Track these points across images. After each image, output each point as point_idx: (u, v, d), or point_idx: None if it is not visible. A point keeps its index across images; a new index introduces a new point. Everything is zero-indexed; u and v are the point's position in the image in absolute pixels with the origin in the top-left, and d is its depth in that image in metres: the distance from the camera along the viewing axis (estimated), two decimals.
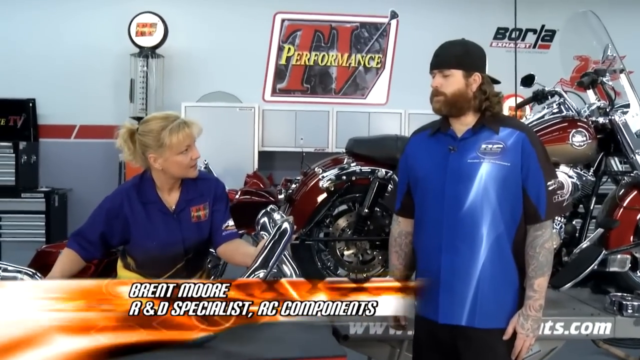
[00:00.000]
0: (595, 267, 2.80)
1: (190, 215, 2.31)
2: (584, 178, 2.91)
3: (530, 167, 2.07)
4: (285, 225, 1.84)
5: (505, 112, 6.39)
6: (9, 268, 2.04)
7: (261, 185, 4.48)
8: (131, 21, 6.02)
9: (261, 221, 2.14)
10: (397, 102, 6.48)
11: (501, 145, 2.08)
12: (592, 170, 2.96)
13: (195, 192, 2.33)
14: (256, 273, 1.77)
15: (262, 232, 2.11)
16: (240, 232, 3.80)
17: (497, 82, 2.17)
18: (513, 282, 2.12)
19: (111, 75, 6.26)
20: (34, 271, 2.05)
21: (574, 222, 2.98)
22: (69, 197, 6.25)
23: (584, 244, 2.89)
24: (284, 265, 2.09)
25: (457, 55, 2.12)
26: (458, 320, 2.09)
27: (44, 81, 6.15)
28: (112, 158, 5.99)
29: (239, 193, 4.18)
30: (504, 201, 2.06)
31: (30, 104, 6.12)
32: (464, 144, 2.12)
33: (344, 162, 2.90)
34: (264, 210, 2.17)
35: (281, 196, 3.08)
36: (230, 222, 2.32)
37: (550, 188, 2.09)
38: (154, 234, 2.29)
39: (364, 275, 2.99)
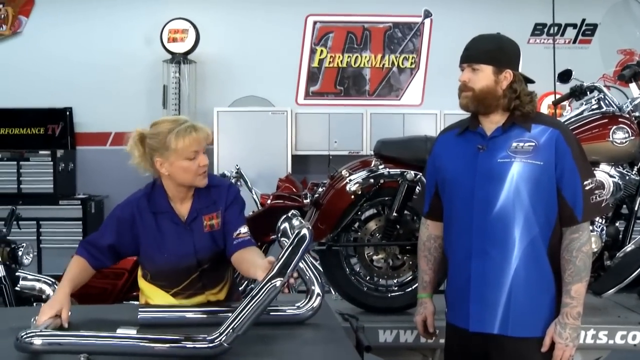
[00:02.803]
0: None
1: (202, 225, 2.21)
2: (627, 177, 2.75)
3: (565, 166, 1.97)
4: (304, 231, 1.76)
5: (544, 110, 6.30)
6: (28, 277, 2.02)
7: (293, 189, 4.44)
8: (163, 28, 6.08)
9: (282, 227, 2.07)
10: (432, 103, 6.35)
11: (533, 144, 1.99)
12: (636, 168, 2.80)
13: (208, 200, 2.24)
14: (273, 281, 1.69)
15: (282, 239, 2.03)
16: (272, 237, 3.77)
17: (532, 81, 2.07)
18: (549, 288, 2.01)
19: (144, 82, 6.34)
20: (53, 280, 2.03)
21: (616, 224, 2.82)
22: (105, 204, 6.34)
23: (629, 247, 2.74)
24: (305, 272, 2.01)
25: (488, 50, 2.04)
26: (490, 328, 1.99)
27: (80, 90, 6.27)
28: None
29: (271, 197, 4.14)
30: (537, 202, 1.97)
31: (67, 113, 6.27)
32: (494, 142, 2.03)
33: (372, 165, 2.80)
34: (284, 216, 2.10)
35: (307, 200, 3.00)
36: (243, 229, 2.19)
37: (587, 188, 1.98)
38: (164, 245, 2.21)
39: (395, 281, 2.90)
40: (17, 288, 2.04)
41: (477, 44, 2.07)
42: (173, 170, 2.14)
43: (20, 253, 3.92)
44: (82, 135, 6.38)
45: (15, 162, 5.90)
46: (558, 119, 3.10)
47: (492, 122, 2.05)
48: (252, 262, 2.03)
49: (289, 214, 2.09)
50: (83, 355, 1.61)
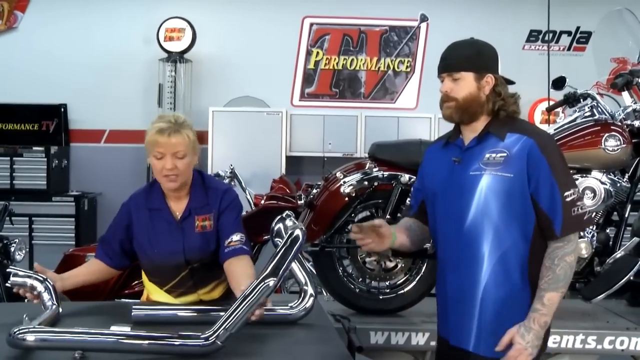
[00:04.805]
0: (632, 277, 2.67)
1: (194, 225, 2.24)
2: (618, 184, 2.78)
3: (541, 176, 1.87)
4: (297, 232, 1.78)
5: (538, 116, 6.34)
6: (20, 273, 2.02)
7: (287, 190, 4.45)
8: (160, 26, 6.09)
9: (275, 228, 2.08)
10: (426, 107, 6.38)
11: (505, 154, 1.90)
12: (627, 176, 2.82)
13: (202, 200, 2.26)
14: (266, 281, 1.70)
15: (276, 239, 2.04)
16: (265, 237, 3.78)
17: (511, 82, 2.02)
18: (523, 307, 1.90)
19: (140, 80, 6.34)
20: (44, 277, 2.04)
21: (607, 231, 2.84)
22: (98, 201, 6.34)
23: (618, 254, 2.76)
24: (298, 273, 2.02)
25: (467, 56, 1.97)
26: (466, 345, 1.95)
27: (75, 87, 6.26)
28: (141, 162, 6.04)
29: (264, 198, 4.15)
30: (509, 216, 1.89)
31: (62, 109, 6.24)
32: (470, 154, 1.97)
33: (367, 167, 2.82)
34: (278, 217, 2.11)
35: (301, 202, 3.01)
36: (235, 237, 2.18)
37: (568, 199, 1.87)
38: (155, 241, 2.24)
39: (387, 283, 2.91)
40: (7, 284, 2.04)
41: (454, 52, 2.00)
42: (151, 164, 2.23)
43: (12, 249, 3.93)
44: (77, 132, 6.37)
45: (8, 158, 5.89)
46: (551, 125, 3.13)
47: (472, 131, 1.99)
48: (235, 278, 2.06)
49: (283, 215, 2.10)
50: (77, 352, 1.61)
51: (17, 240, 3.97)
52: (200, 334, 1.65)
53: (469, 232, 1.92)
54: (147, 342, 1.66)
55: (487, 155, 1.92)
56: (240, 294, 1.75)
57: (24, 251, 4.00)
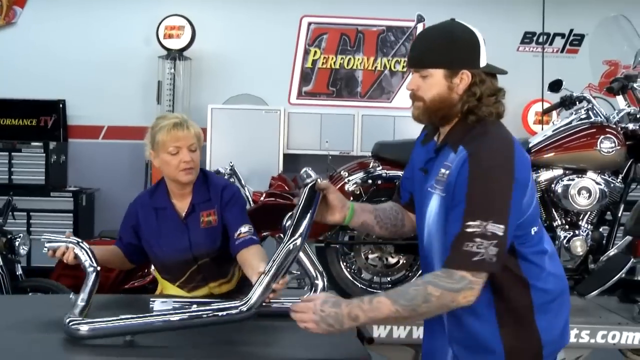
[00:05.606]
0: (623, 275, 2.77)
1: (199, 221, 2.31)
2: (612, 185, 2.87)
3: (456, 194, 1.57)
4: (315, 183, 1.76)
5: (532, 117, 6.45)
6: (53, 238, 2.07)
7: (286, 188, 4.53)
8: (159, 24, 6.12)
9: (286, 225, 2.14)
10: None
11: (448, 172, 1.62)
12: (620, 177, 2.92)
13: (205, 196, 2.33)
14: (293, 239, 1.70)
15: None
16: (264, 233, 3.85)
17: (503, 72, 1.70)
18: (489, 321, 1.65)
19: (139, 77, 6.36)
20: (78, 240, 2.05)
21: (600, 230, 2.94)
22: (96, 197, 6.37)
23: (612, 252, 2.86)
24: (310, 267, 2.09)
25: (436, 49, 1.64)
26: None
27: (74, 83, 6.27)
28: (139, 159, 6.07)
29: (264, 195, 4.23)
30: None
31: (60, 105, 6.26)
32: (431, 166, 1.72)
33: (370, 166, 2.90)
34: (289, 214, 2.18)
35: None
36: (244, 229, 2.24)
37: (468, 230, 1.51)
38: (162, 239, 2.32)
39: (388, 279, 3.00)
40: (44, 250, 2.07)
41: (422, 42, 1.70)
42: (160, 163, 2.28)
43: (17, 244, 3.98)
44: (75, 128, 6.39)
45: (7, 153, 5.90)
46: (546, 126, 3.22)
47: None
48: (249, 264, 2.11)
49: (293, 212, 2.16)
50: (128, 336, 1.72)
51: (21, 234, 4.02)
52: (237, 302, 1.73)
53: (426, 246, 1.75)
54: (193, 315, 1.74)
55: (441, 171, 1.64)
56: (269, 261, 1.76)
57: (28, 246, 4.05)
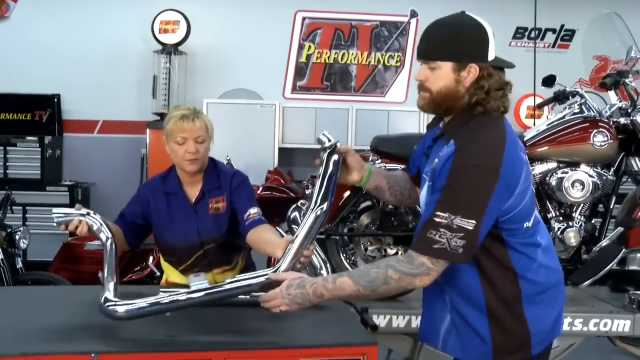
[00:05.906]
0: (615, 265, 2.84)
1: (208, 207, 2.39)
2: (605, 177, 2.94)
3: (436, 184, 1.63)
4: (335, 156, 1.76)
5: (524, 111, 6.53)
6: (61, 211, 1.97)
7: (282, 181, 4.57)
8: (154, 19, 6.13)
9: (292, 216, 2.21)
10: (415, 101, 6.47)
11: (437, 162, 1.67)
12: (612, 170, 3.00)
13: (215, 183, 2.41)
14: (319, 205, 1.72)
15: (293, 226, 2.17)
16: None
17: (511, 65, 1.72)
18: (480, 308, 1.70)
19: (134, 71, 6.37)
20: (88, 210, 1.99)
21: (593, 221, 3.02)
22: (91, 191, 6.38)
23: (604, 243, 2.93)
24: (314, 258, 2.15)
25: (445, 42, 1.67)
26: (435, 344, 1.81)
27: (69, 77, 6.28)
28: (134, 153, 6.11)
29: (260, 188, 4.27)
30: None
31: (55, 99, 6.26)
32: (430, 151, 1.78)
33: (369, 160, 2.95)
34: (294, 206, 2.24)
35: (308, 192, 3.12)
36: (253, 210, 2.30)
37: (436, 219, 1.57)
38: (171, 224, 2.40)
39: None
40: (54, 223, 2.01)
41: (431, 35, 1.71)
42: (170, 151, 2.37)
43: (17, 237, 4.02)
44: (70, 122, 6.39)
45: (2, 147, 5.93)
46: (539, 120, 3.28)
47: None
48: (267, 240, 2.12)
49: (299, 203, 2.23)
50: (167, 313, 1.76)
51: (22, 228, 4.06)
52: (267, 270, 1.76)
53: None
54: (226, 288, 1.77)
55: (434, 161, 1.68)
56: (298, 229, 1.77)
57: (28, 239, 4.09)
